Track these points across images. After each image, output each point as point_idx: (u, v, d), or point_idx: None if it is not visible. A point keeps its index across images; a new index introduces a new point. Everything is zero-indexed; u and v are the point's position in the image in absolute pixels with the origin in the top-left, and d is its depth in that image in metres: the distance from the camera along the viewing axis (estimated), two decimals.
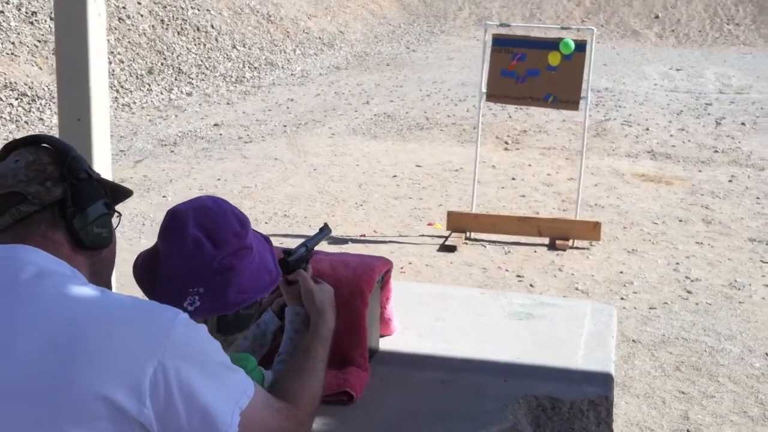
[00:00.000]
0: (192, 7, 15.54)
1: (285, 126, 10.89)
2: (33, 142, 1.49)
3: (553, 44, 6.15)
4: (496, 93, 6.34)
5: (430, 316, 2.43)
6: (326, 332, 1.75)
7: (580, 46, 6.14)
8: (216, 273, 1.57)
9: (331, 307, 1.81)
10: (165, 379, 1.25)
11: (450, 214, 6.63)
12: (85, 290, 1.33)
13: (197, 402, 1.28)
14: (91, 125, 3.04)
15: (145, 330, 1.27)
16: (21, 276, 1.32)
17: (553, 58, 6.10)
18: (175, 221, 1.60)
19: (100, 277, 1.50)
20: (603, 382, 2.05)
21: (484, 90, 6.45)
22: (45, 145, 1.48)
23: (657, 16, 23.28)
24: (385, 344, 2.22)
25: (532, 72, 6.15)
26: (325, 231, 2.13)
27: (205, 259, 1.57)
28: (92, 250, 1.46)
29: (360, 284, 2.00)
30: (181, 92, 12.75)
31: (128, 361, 1.23)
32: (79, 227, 1.42)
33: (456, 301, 2.53)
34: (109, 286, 1.51)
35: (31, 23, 11.68)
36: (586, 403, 1.96)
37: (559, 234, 6.47)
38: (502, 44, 6.25)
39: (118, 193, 1.58)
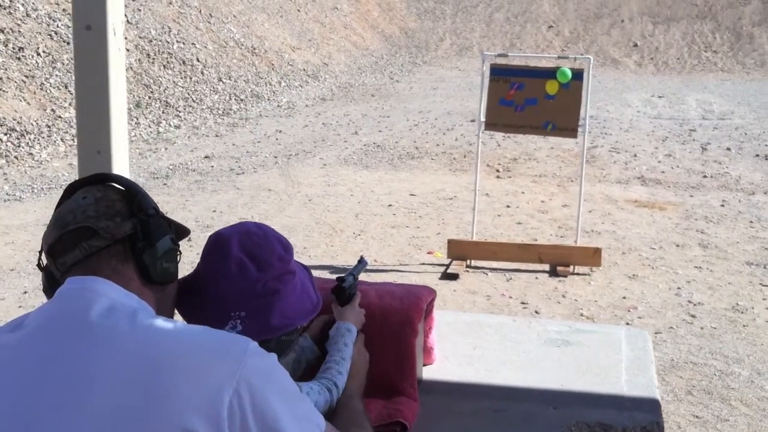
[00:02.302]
0: (177, 41, 15.58)
1: (276, 157, 10.90)
2: (98, 180, 1.50)
3: (551, 73, 6.22)
4: (495, 122, 6.38)
5: (468, 344, 2.42)
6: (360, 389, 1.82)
7: (578, 74, 6.21)
8: (259, 296, 1.57)
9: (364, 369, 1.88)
10: (240, 408, 1.25)
11: (450, 242, 6.64)
12: (157, 323, 1.32)
13: (272, 431, 1.27)
14: (111, 158, 3.03)
15: (220, 360, 1.27)
16: (94, 309, 1.31)
17: (551, 87, 6.16)
18: (219, 244, 1.60)
19: (163, 312, 1.50)
20: (651, 408, 2.05)
21: (482, 119, 6.50)
22: (111, 183, 1.50)
23: (636, 45, 23.63)
24: (428, 373, 2.21)
25: (531, 101, 6.21)
26: (363, 262, 2.13)
27: (249, 282, 1.56)
28: (160, 285, 1.47)
29: (409, 313, 1.99)
30: (169, 125, 12.74)
31: (206, 392, 1.23)
32: (149, 262, 1.43)
33: (491, 329, 2.53)
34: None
35: (18, 59, 11.65)
36: (639, 429, 1.95)
37: (559, 260, 6.49)
38: (500, 74, 6.31)
39: (178, 231, 1.58)
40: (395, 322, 1.99)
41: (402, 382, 1.98)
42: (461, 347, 2.39)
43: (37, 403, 1.23)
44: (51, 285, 1.44)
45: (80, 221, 1.40)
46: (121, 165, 3.11)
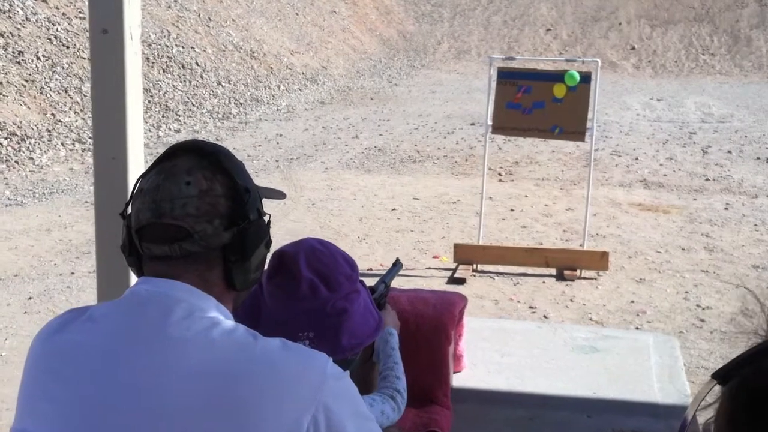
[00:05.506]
0: (176, 45, 15.54)
1: (277, 161, 10.87)
2: (208, 152, 1.35)
3: (558, 76, 6.20)
4: (502, 125, 6.37)
5: (495, 351, 2.40)
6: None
7: (585, 77, 6.20)
8: (328, 317, 1.53)
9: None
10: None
11: (457, 247, 6.62)
12: (236, 337, 1.25)
13: None
14: (127, 164, 2.99)
15: (299, 383, 1.23)
16: (171, 319, 1.25)
17: (559, 90, 6.15)
18: (286, 264, 1.56)
19: (237, 304, 1.42)
20: None
21: (489, 122, 6.48)
22: (220, 167, 1.33)
23: (633, 48, 23.65)
24: (458, 381, 2.19)
25: (538, 104, 6.20)
26: (398, 266, 2.10)
27: (319, 302, 1.53)
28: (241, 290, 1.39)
29: (443, 320, 1.97)
30: (170, 129, 12.70)
31: (285, 420, 1.19)
32: (239, 277, 1.34)
33: (517, 335, 2.51)
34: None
35: (18, 63, 11.60)
36: None
37: (566, 264, 6.47)
38: (508, 77, 6.30)
39: (269, 198, 1.48)
40: (428, 329, 1.97)
41: (435, 390, 1.96)
42: (489, 354, 2.37)
43: (110, 412, 1.20)
44: (131, 248, 1.34)
45: (177, 218, 1.28)
46: (136, 171, 3.08)
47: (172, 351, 1.22)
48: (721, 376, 0.84)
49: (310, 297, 1.52)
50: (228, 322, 1.29)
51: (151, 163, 1.41)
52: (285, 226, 7.72)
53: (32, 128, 10.57)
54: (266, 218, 1.39)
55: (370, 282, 2.03)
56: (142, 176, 1.36)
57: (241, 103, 15.19)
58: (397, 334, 1.83)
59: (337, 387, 1.26)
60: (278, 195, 1.54)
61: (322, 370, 1.25)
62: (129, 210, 1.36)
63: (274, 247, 1.63)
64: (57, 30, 12.70)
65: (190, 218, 1.29)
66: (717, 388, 0.86)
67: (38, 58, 11.91)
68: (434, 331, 1.97)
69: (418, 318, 1.97)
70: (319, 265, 1.56)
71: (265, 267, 1.44)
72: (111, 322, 1.28)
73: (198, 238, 1.29)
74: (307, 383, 1.22)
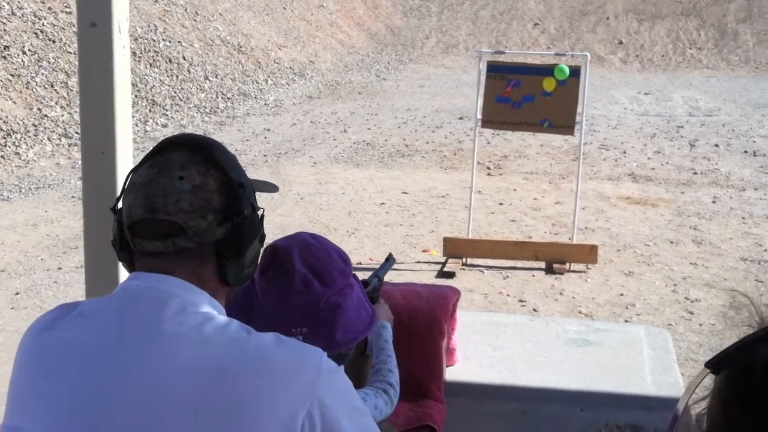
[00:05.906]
0: (163, 39, 15.45)
1: (265, 156, 10.83)
2: (201, 146, 1.33)
3: (548, 70, 6.20)
4: (492, 119, 6.36)
5: (487, 344, 2.39)
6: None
7: (575, 71, 6.20)
8: (321, 312, 1.52)
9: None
10: (311, 428, 1.21)
11: (446, 240, 6.61)
12: (230, 332, 1.24)
13: None
14: (115, 158, 2.97)
15: (294, 379, 1.21)
16: (165, 314, 1.23)
17: (548, 84, 6.15)
18: (280, 258, 1.55)
19: (230, 299, 1.40)
20: None
21: (479, 116, 6.47)
22: (212, 163, 1.32)
23: (621, 42, 23.69)
24: (450, 374, 2.18)
25: (527, 98, 6.19)
26: (391, 260, 2.09)
27: (313, 297, 1.51)
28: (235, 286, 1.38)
29: (436, 314, 1.96)
30: (157, 124, 12.63)
31: (280, 415, 1.18)
32: (232, 272, 1.32)
33: (509, 329, 2.50)
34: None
35: (4, 57, 11.51)
36: None
37: (555, 258, 6.48)
38: (497, 71, 6.29)
39: (262, 191, 1.47)
40: (422, 323, 1.96)
41: (429, 384, 1.95)
42: (481, 348, 2.36)
43: (101, 408, 1.18)
44: (122, 243, 1.32)
45: (171, 213, 1.26)
46: (125, 166, 3.05)
47: (164, 347, 1.20)
48: (714, 364, 0.85)
49: (303, 292, 1.51)
50: (221, 317, 1.28)
51: (139, 157, 1.39)
52: (273, 220, 7.69)
53: (18, 123, 10.50)
54: (260, 213, 1.38)
55: (361, 276, 2.03)
56: (134, 170, 1.34)
57: (228, 98, 15.13)
58: (391, 327, 1.82)
59: (332, 382, 1.25)
60: (271, 188, 1.53)
61: (317, 365, 1.24)
62: (120, 205, 1.34)
63: (265, 242, 1.62)
64: (43, 24, 12.60)
65: (184, 214, 1.27)
66: (709, 379, 0.86)
67: (24, 53, 11.82)
68: (427, 325, 1.96)
69: (412, 312, 1.96)
70: (313, 260, 1.55)
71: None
72: (103, 318, 1.26)
73: (192, 233, 1.27)
74: (302, 378, 1.21)
